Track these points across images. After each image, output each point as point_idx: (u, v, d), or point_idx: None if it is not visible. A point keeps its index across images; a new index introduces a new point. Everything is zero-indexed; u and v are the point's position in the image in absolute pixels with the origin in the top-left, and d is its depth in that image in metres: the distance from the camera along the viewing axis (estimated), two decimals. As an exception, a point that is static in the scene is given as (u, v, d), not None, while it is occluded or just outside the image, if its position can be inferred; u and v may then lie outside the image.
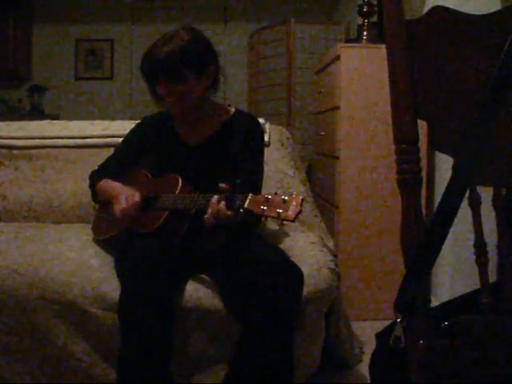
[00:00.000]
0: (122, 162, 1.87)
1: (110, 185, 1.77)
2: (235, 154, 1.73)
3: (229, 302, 1.54)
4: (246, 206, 1.33)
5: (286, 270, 1.47)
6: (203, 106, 1.74)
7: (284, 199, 1.27)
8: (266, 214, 1.29)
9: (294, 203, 1.26)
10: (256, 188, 1.71)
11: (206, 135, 1.77)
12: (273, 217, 1.28)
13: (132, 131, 1.91)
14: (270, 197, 1.30)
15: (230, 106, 1.86)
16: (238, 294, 1.49)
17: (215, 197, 1.42)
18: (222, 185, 1.40)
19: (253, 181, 1.71)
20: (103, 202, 1.83)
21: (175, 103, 1.65)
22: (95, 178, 1.86)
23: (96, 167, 1.91)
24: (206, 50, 1.65)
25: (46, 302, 1.58)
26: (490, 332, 1.00)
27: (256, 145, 1.78)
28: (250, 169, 1.74)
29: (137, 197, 1.62)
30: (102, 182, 1.80)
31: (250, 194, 1.34)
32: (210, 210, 1.43)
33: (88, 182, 1.89)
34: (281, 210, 1.26)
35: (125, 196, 1.63)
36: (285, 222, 1.29)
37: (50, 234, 1.93)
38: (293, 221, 1.26)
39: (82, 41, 5.74)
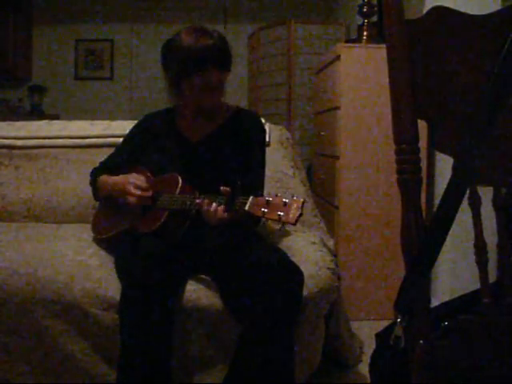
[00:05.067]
0: (122, 159, 1.86)
1: (110, 180, 1.76)
2: (237, 152, 1.73)
3: (229, 302, 1.54)
4: (246, 208, 1.33)
5: (287, 270, 1.47)
6: None
7: (285, 202, 1.27)
8: (266, 216, 1.29)
9: (295, 206, 1.26)
10: (257, 189, 1.70)
11: (206, 132, 1.77)
12: (274, 219, 1.28)
13: (133, 129, 1.92)
14: (270, 199, 1.30)
15: (230, 104, 1.86)
16: (238, 294, 1.49)
17: (214, 204, 1.43)
18: (224, 188, 1.41)
19: (254, 181, 1.71)
20: (104, 198, 1.83)
21: (218, 94, 1.67)
22: (96, 174, 1.86)
23: (98, 164, 1.92)
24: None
25: (46, 302, 1.58)
26: (489, 332, 1.00)
27: (258, 144, 1.79)
28: (252, 169, 1.74)
29: (143, 181, 1.64)
30: (102, 177, 1.80)
31: (251, 197, 1.34)
32: (206, 217, 1.43)
33: (89, 179, 1.89)
34: (282, 213, 1.26)
35: (134, 185, 1.63)
36: (286, 225, 1.29)
37: (49, 234, 1.93)
38: (294, 224, 1.26)
39: (82, 41, 5.73)
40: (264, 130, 1.87)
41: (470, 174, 0.96)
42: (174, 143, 1.78)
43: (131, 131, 1.92)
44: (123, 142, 1.93)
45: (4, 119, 2.71)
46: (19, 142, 2.34)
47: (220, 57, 1.62)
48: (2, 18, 5.31)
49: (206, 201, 1.45)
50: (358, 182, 2.57)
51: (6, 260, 1.66)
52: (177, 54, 1.63)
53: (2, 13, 5.30)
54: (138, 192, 1.62)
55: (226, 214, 1.40)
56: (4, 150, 2.34)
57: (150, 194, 1.63)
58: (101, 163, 1.91)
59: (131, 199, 1.63)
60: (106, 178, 1.79)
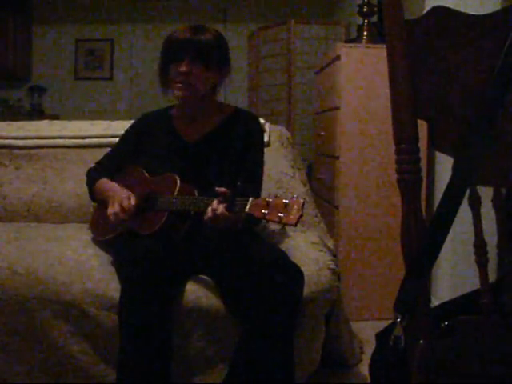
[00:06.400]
0: (119, 159, 1.86)
1: (106, 185, 1.76)
2: (234, 153, 1.73)
3: (229, 302, 1.54)
4: (247, 210, 1.33)
5: (287, 270, 1.46)
6: (204, 102, 1.75)
7: (285, 203, 1.27)
8: (267, 218, 1.28)
9: (296, 207, 1.26)
10: (256, 190, 1.70)
11: (203, 132, 1.76)
12: (274, 221, 1.28)
13: (130, 128, 1.91)
14: (270, 200, 1.29)
15: (229, 104, 1.86)
16: (238, 294, 1.49)
17: (215, 201, 1.42)
18: (220, 189, 1.40)
19: (253, 182, 1.70)
20: (100, 201, 1.83)
21: (185, 86, 1.65)
22: (93, 175, 1.86)
23: (93, 164, 1.92)
24: (227, 51, 1.74)
25: (45, 301, 1.58)
26: (489, 332, 1.00)
27: (256, 144, 1.78)
28: (250, 169, 1.73)
29: (132, 201, 1.61)
30: (99, 182, 1.80)
31: (251, 198, 1.34)
32: (209, 211, 1.42)
33: (86, 179, 1.90)
34: (282, 214, 1.26)
35: (119, 199, 1.61)
36: (287, 226, 1.28)
37: (50, 233, 1.92)
38: (295, 225, 1.26)
39: (82, 41, 5.73)
40: (262, 131, 1.86)
41: (470, 174, 0.96)
42: (171, 143, 1.77)
43: (127, 131, 1.91)
44: (119, 141, 1.92)
45: (4, 119, 2.71)
46: (19, 142, 2.34)
47: (196, 51, 1.63)
48: (2, 17, 5.31)
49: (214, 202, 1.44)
50: (358, 182, 2.57)
51: (6, 260, 1.66)
52: (164, 44, 1.71)
53: (2, 13, 5.30)
54: (117, 210, 1.58)
55: (228, 214, 1.40)
56: (4, 150, 2.33)
57: (126, 217, 1.59)
58: (97, 163, 1.91)
59: (110, 212, 1.61)
60: (102, 184, 1.78)
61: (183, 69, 1.63)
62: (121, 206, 1.59)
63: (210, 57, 1.66)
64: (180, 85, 1.65)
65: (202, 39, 1.64)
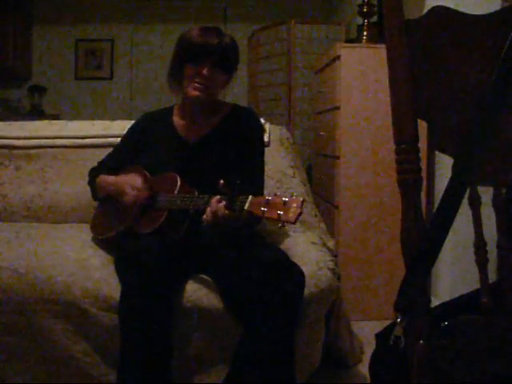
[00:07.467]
0: (120, 158, 1.87)
1: (109, 179, 1.77)
2: (234, 151, 1.73)
3: (229, 302, 1.54)
4: (246, 207, 1.33)
5: (287, 271, 1.46)
6: (207, 102, 1.75)
7: (284, 201, 1.27)
8: (266, 215, 1.28)
9: (295, 205, 1.26)
10: (257, 187, 1.70)
11: (203, 132, 1.77)
12: (273, 219, 1.28)
13: (131, 128, 1.92)
14: (270, 198, 1.30)
15: (227, 102, 1.87)
16: (239, 294, 1.49)
17: (215, 199, 1.42)
18: (222, 182, 1.40)
19: (253, 180, 1.71)
20: (103, 198, 1.83)
21: (203, 87, 1.67)
22: (94, 174, 1.86)
23: (96, 164, 1.92)
24: (239, 54, 1.76)
25: (46, 302, 1.58)
26: (489, 332, 1.00)
27: (256, 141, 1.79)
28: (251, 167, 1.74)
29: (139, 182, 1.65)
30: (101, 177, 1.81)
31: (250, 196, 1.34)
32: (208, 210, 1.43)
33: (87, 178, 1.90)
34: (281, 212, 1.26)
35: (131, 184, 1.65)
36: (286, 224, 1.28)
37: (50, 234, 1.93)
38: (294, 223, 1.26)
39: (82, 41, 5.74)
40: (261, 127, 1.87)
41: (469, 173, 0.96)
42: (172, 143, 1.78)
43: (129, 131, 1.92)
44: (121, 141, 1.93)
45: (4, 119, 2.71)
46: (19, 142, 2.34)
47: (219, 56, 1.65)
48: (1, 17, 5.31)
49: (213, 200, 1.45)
50: (358, 182, 2.57)
51: (6, 260, 1.66)
52: (181, 42, 1.72)
53: (2, 13, 5.30)
54: (134, 192, 1.63)
55: (227, 212, 1.40)
56: (4, 150, 2.33)
57: (145, 194, 1.64)
58: (99, 163, 1.92)
59: (126, 199, 1.64)
60: (104, 178, 1.80)
61: (205, 72, 1.65)
62: (135, 188, 1.63)
63: (229, 61, 1.70)
64: (197, 85, 1.67)
65: (225, 44, 1.67)
